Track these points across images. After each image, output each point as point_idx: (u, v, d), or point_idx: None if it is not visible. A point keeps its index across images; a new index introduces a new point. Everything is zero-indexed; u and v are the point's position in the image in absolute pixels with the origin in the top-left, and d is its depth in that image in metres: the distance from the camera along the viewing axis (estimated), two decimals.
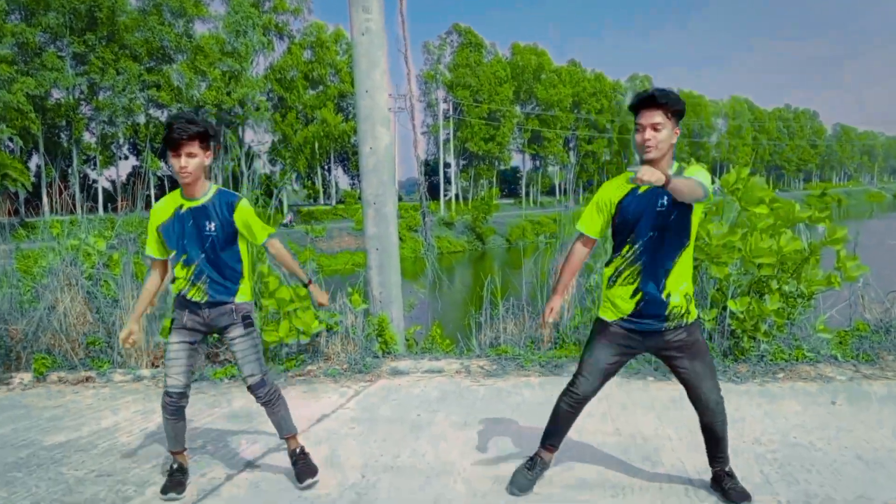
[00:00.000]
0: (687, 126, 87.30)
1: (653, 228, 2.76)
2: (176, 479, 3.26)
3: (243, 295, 3.19)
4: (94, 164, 47.45)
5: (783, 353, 4.98)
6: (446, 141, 63.06)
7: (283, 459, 3.63)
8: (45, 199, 37.67)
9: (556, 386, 4.81)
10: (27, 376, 5.63)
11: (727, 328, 5.06)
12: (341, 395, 4.87)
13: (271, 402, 3.26)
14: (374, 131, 5.83)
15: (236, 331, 3.17)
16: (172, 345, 3.16)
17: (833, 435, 3.67)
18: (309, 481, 3.26)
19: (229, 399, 4.89)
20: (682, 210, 2.73)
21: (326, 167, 63.05)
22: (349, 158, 63.06)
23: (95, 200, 43.88)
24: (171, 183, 50.08)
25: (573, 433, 3.83)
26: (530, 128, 69.34)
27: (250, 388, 3.22)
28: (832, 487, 3.05)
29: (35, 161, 46.06)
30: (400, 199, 57.83)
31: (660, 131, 2.65)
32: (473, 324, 5.83)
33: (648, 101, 2.68)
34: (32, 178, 40.08)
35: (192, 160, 2.92)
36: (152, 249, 3.20)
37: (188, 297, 3.13)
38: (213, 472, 3.50)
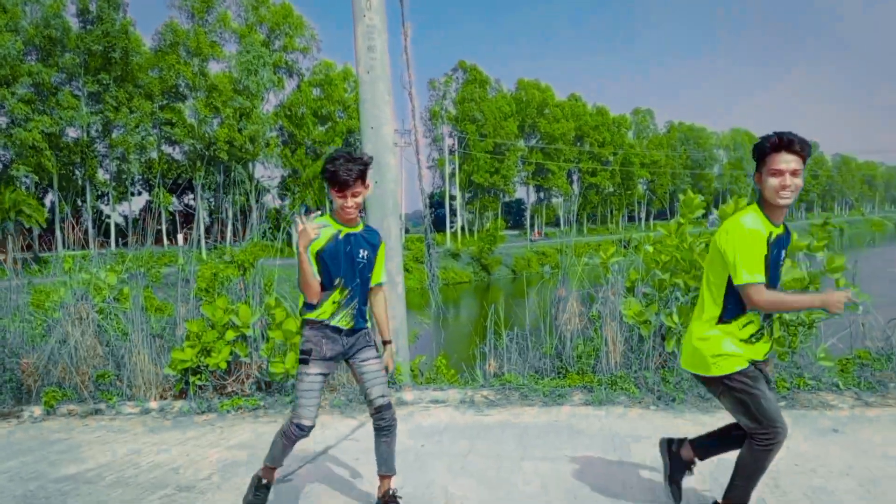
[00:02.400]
0: (689, 157, 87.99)
1: (777, 279, 2.77)
2: (262, 496, 3.28)
3: (369, 320, 3.30)
4: (108, 200, 48.14)
5: (785, 381, 4.99)
6: (452, 174, 63.57)
7: (290, 488, 3.68)
8: (58, 234, 38.25)
9: (558, 415, 4.85)
10: (37, 409, 5.68)
11: None
12: (347, 426, 4.91)
13: (392, 428, 3.19)
14: (379, 166, 5.96)
15: (370, 352, 3.21)
16: (310, 376, 3.07)
17: (835, 462, 3.67)
18: None
19: (237, 431, 4.93)
20: None
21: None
22: None
23: (108, 235, 44.44)
24: (182, 218, 50.63)
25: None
26: (534, 160, 69.90)
27: (378, 409, 3.16)
28: None
29: (49, 197, 46.80)
30: (406, 230, 58.15)
31: (798, 177, 2.60)
32: (478, 354, 5.86)
33: (788, 146, 2.58)
34: (47, 214, 40.66)
35: (356, 198, 3.03)
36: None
37: (333, 323, 3.10)
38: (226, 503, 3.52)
